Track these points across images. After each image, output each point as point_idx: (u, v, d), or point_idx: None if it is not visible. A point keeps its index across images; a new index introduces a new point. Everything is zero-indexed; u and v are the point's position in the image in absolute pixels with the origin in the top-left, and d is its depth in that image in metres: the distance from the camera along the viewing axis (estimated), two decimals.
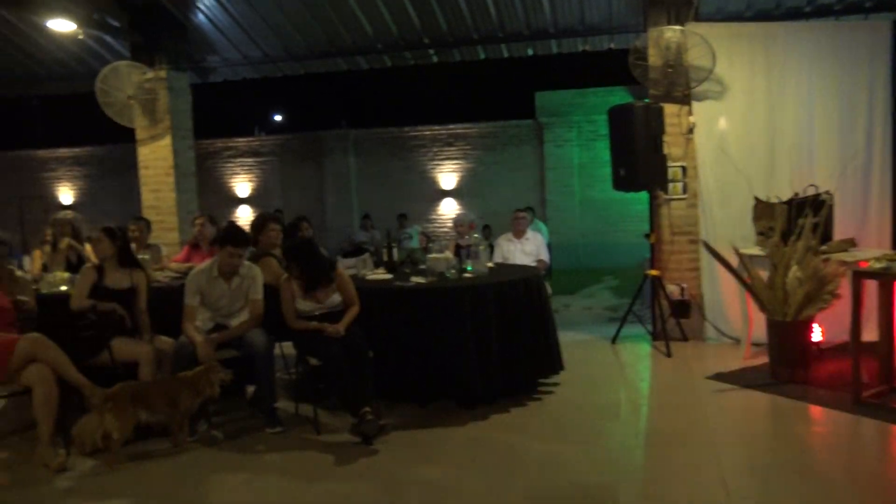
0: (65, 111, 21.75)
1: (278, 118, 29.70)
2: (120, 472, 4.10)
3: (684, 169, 6.78)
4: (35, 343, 4.24)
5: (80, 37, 7.83)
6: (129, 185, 16.18)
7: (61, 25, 7.16)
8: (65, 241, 6.22)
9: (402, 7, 7.92)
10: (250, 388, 5.41)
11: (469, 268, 5.49)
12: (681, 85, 6.60)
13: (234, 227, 5.22)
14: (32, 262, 6.92)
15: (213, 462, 4.26)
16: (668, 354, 6.35)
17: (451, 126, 15.84)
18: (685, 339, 6.74)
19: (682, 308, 6.83)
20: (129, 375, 4.59)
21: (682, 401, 5.16)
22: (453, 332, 4.86)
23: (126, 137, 12.56)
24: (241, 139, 17.07)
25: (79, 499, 3.82)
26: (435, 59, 8.81)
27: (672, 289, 6.82)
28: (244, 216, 16.09)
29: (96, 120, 11.06)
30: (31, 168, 17.93)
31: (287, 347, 5.32)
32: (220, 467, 4.18)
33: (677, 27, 6.56)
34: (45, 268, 6.28)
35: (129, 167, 16.04)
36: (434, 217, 15.93)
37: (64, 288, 5.34)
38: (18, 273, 5.09)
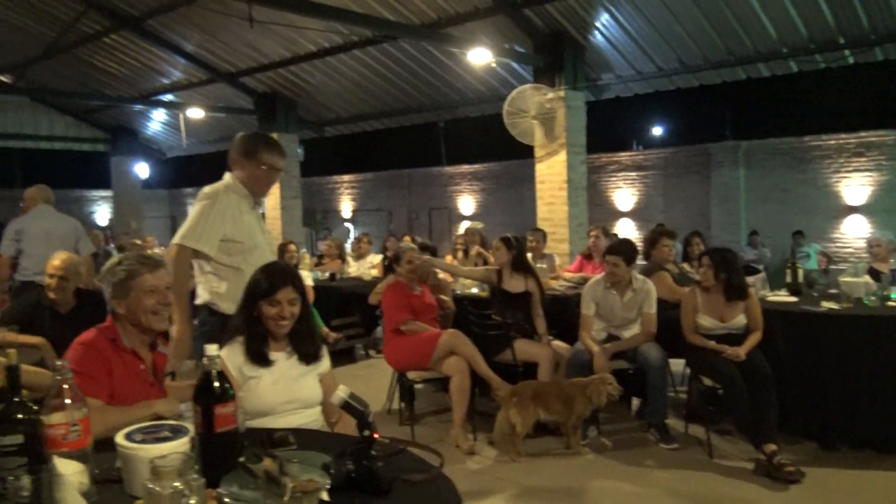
0: (463, 132, 24.42)
1: (657, 131, 29.47)
2: (518, 463, 4.44)
3: None
4: (455, 337, 4.81)
5: (493, 65, 8.70)
6: (519, 197, 17.51)
7: (479, 56, 8.04)
8: (475, 249, 6.97)
9: (815, 4, 7.25)
10: (635, 401, 5.46)
11: (894, 295, 4.79)
12: None
13: (621, 240, 5.36)
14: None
15: (602, 468, 4.37)
16: None
17: (863, 134, 14.02)
18: None
19: None
20: (527, 375, 4.96)
21: None
22: (870, 367, 4.29)
23: (518, 154, 13.58)
24: (624, 154, 17.30)
25: (484, 479, 4.23)
26: (851, 60, 7.89)
27: None
28: (625, 230, 16.26)
29: (492, 138, 12.12)
30: (439, 182, 20.42)
31: (675, 364, 5.24)
32: (609, 475, 4.27)
33: None
34: None
35: (519, 181, 17.42)
36: (836, 236, 14.26)
37: (475, 290, 5.96)
38: (441, 275, 5.84)
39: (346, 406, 1.84)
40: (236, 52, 11.12)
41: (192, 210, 3.40)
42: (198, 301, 3.44)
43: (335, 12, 7.74)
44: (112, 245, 11.60)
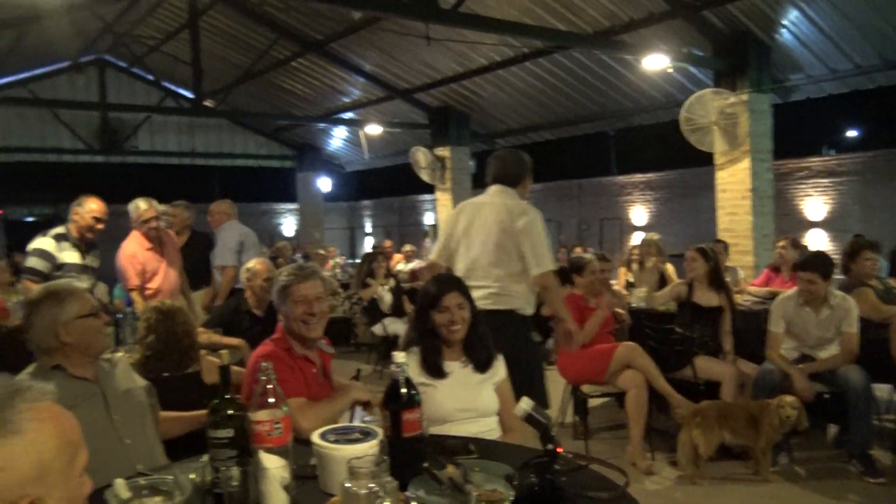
0: (634, 140, 23.72)
1: (852, 134, 27.06)
2: (700, 486, 4.21)
3: None
4: (631, 351, 4.67)
5: (669, 70, 8.38)
6: (694, 207, 16.72)
7: (655, 62, 7.78)
8: (652, 260, 6.73)
9: None
10: (832, 428, 5.00)
11: None
12: None
13: (815, 253, 4.94)
14: (618, 278, 7.68)
15: (794, 498, 4.05)
16: None
17: None
18: None
19: None
20: (708, 394, 4.70)
21: None
22: None
23: (694, 162, 12.97)
24: (815, 159, 16.01)
25: (663, 500, 4.05)
26: None
27: None
28: (816, 241, 15.04)
29: (666, 146, 11.61)
30: (610, 192, 19.99)
31: (879, 390, 4.75)
32: None
33: None
34: (630, 284, 6.90)
35: (695, 190, 16.63)
36: None
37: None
38: (615, 287, 5.70)
39: (528, 418, 1.83)
40: (411, 70, 11.54)
41: (532, 231, 3.70)
42: (501, 306, 3.72)
43: (508, 26, 7.80)
44: (298, 254, 12.40)
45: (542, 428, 1.80)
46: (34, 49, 11.66)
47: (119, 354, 2.64)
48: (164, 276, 5.31)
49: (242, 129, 16.37)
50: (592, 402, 5.29)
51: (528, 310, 3.84)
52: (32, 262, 4.60)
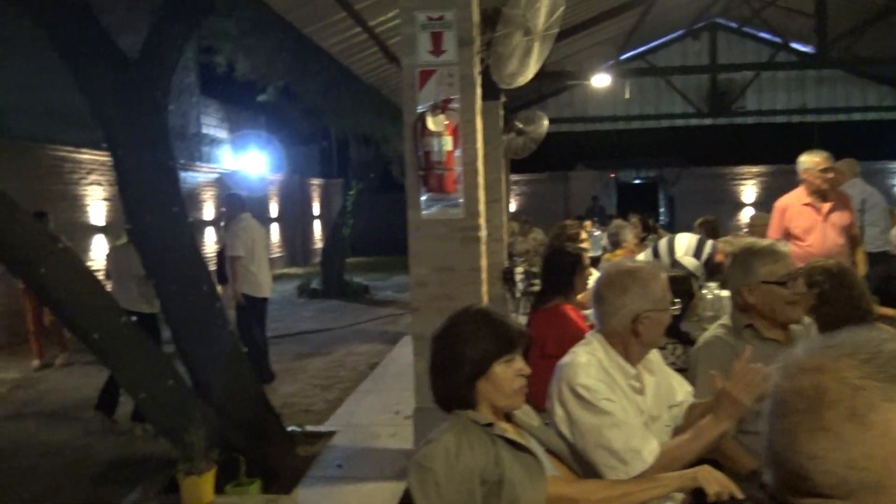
0: None
1: None
2: None
3: None
4: None
5: None
6: None
7: None
8: None
9: None
10: None
11: None
12: None
13: None
14: None
15: None
16: None
17: None
18: None
19: None
20: None
21: None
22: None
23: None
24: None
25: None
26: None
27: None
28: None
29: None
30: None
31: None
32: None
33: None
34: None
35: None
36: None
37: None
38: None
39: None
40: None
41: None
42: None
43: None
44: None
45: None
46: (653, 23, 12.45)
47: (808, 320, 2.50)
48: (821, 235, 4.90)
49: (859, 80, 14.71)
50: None
51: None
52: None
